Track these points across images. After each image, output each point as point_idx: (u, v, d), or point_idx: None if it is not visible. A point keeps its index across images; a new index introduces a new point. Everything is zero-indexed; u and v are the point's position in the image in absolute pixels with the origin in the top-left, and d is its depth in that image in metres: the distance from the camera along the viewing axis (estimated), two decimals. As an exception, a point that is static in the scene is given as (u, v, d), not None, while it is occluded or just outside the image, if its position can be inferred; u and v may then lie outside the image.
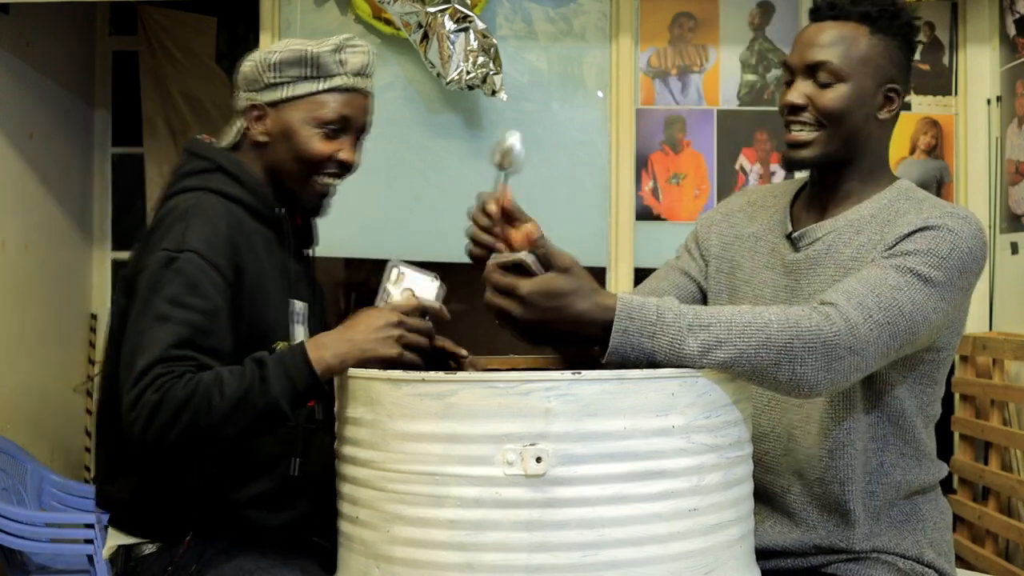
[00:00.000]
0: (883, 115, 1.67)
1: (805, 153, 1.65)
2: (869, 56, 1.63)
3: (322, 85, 1.74)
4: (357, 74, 1.76)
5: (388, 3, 3.15)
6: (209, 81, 4.89)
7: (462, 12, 3.12)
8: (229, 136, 1.81)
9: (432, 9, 3.11)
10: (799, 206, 1.76)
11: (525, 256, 1.42)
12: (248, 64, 1.77)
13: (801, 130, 1.65)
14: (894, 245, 1.55)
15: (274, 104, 1.75)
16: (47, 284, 4.44)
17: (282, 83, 1.74)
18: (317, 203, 1.80)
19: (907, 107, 3.39)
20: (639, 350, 1.39)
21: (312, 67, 1.73)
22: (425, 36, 3.15)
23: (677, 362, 1.39)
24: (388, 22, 3.32)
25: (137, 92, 4.91)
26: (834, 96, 1.62)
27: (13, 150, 4.11)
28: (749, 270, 1.76)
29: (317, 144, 1.74)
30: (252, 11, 3.51)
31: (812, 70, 1.64)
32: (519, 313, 1.41)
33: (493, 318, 1.48)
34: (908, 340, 1.49)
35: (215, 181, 1.72)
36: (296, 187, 1.77)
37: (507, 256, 1.44)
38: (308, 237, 1.88)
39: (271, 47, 1.77)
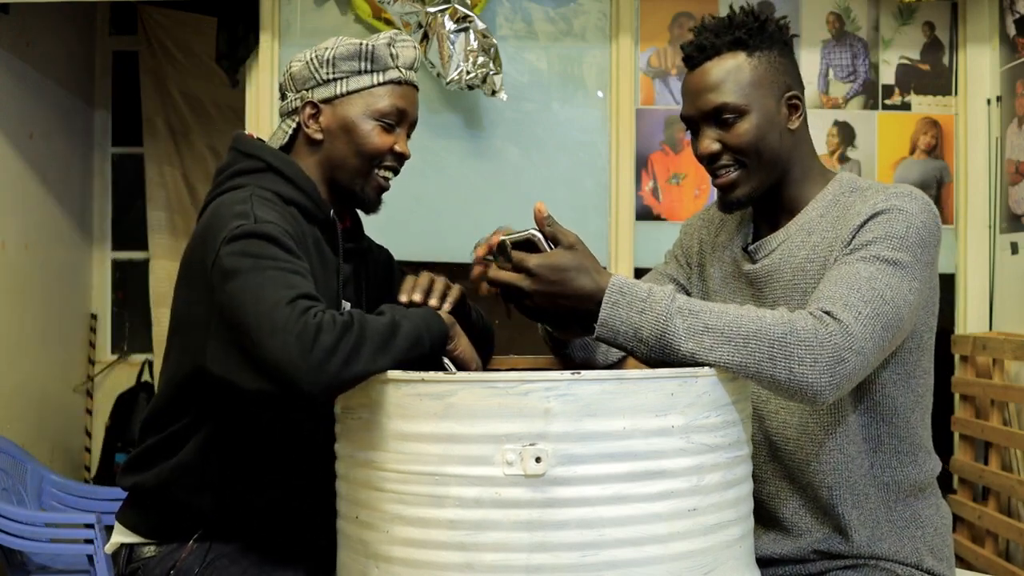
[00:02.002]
0: (793, 124, 1.66)
1: (738, 193, 1.65)
2: (758, 78, 1.62)
3: (378, 78, 1.73)
4: (409, 67, 1.77)
5: (388, 3, 3.15)
6: (209, 81, 4.89)
7: (462, 12, 3.12)
8: (277, 138, 1.79)
9: (432, 9, 3.11)
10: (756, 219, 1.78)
11: (534, 232, 1.49)
12: (297, 64, 1.77)
13: (726, 173, 1.64)
14: (852, 239, 1.56)
15: (328, 100, 1.74)
16: (47, 284, 4.44)
17: (337, 78, 1.73)
18: (376, 197, 1.79)
19: (907, 107, 3.40)
20: (627, 324, 1.42)
21: (368, 60, 1.73)
22: (425, 36, 3.15)
23: (662, 339, 1.40)
24: (388, 22, 3.33)
25: (137, 92, 4.92)
26: (743, 131, 1.61)
27: (13, 150, 4.11)
28: (719, 279, 1.78)
29: (377, 137, 1.73)
30: (252, 11, 3.51)
31: (712, 116, 1.63)
32: (526, 285, 1.47)
33: (496, 295, 1.53)
34: (897, 327, 1.49)
35: (266, 181, 1.70)
36: (356, 182, 1.76)
37: (517, 233, 1.51)
38: (357, 240, 1.87)
39: (320, 46, 1.76)
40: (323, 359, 1.36)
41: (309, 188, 1.73)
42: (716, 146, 1.63)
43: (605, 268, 1.52)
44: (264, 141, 1.79)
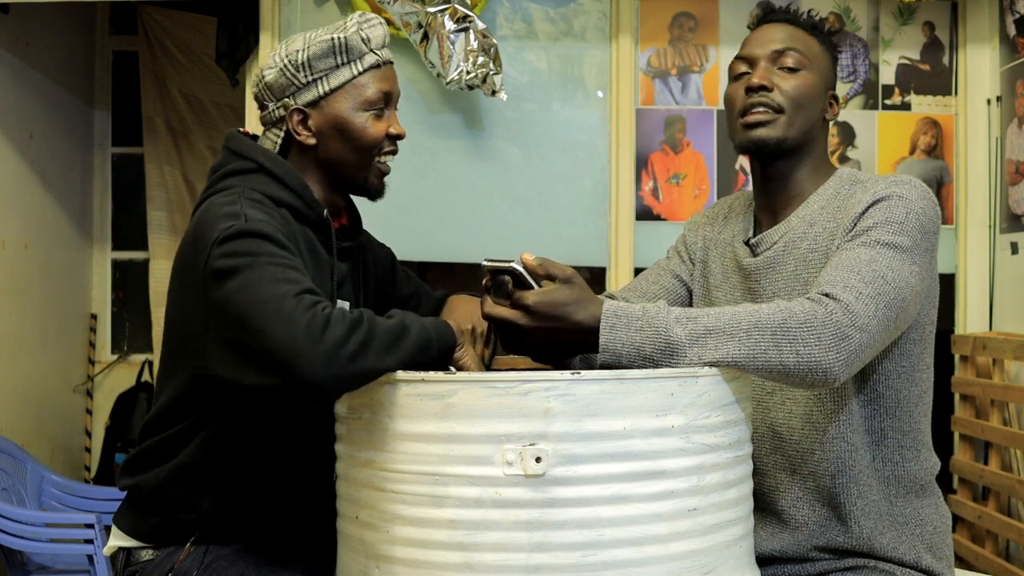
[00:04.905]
0: (828, 116, 1.74)
1: (764, 132, 1.67)
2: (821, 58, 1.72)
3: (358, 68, 1.72)
4: (382, 47, 1.75)
5: (388, 3, 3.15)
6: (209, 81, 4.90)
7: (462, 12, 3.12)
8: (267, 148, 1.76)
9: (432, 9, 3.11)
10: (758, 212, 1.80)
11: (515, 266, 1.47)
12: (271, 73, 1.73)
13: (764, 111, 1.68)
14: (853, 227, 1.59)
15: (314, 103, 1.72)
16: (47, 284, 4.44)
17: (317, 78, 1.71)
18: (380, 184, 1.79)
19: (907, 107, 3.40)
20: (628, 344, 1.42)
21: (344, 53, 1.70)
22: (425, 36, 3.15)
23: (667, 351, 1.40)
24: (388, 22, 3.32)
25: (137, 92, 4.92)
26: (800, 83, 1.68)
27: (13, 150, 4.11)
28: (720, 275, 1.80)
29: (372, 127, 1.72)
30: (252, 11, 3.51)
31: (778, 55, 1.70)
32: (525, 322, 1.45)
33: (494, 327, 1.51)
34: (901, 307, 1.51)
35: (257, 182, 1.68)
36: (360, 175, 1.75)
37: (498, 261, 1.48)
38: (354, 237, 1.85)
39: (289, 49, 1.72)
40: (332, 351, 1.36)
41: (300, 188, 1.71)
42: (768, 82, 1.68)
43: (602, 295, 1.51)
44: (257, 139, 1.77)
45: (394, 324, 1.43)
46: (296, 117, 1.72)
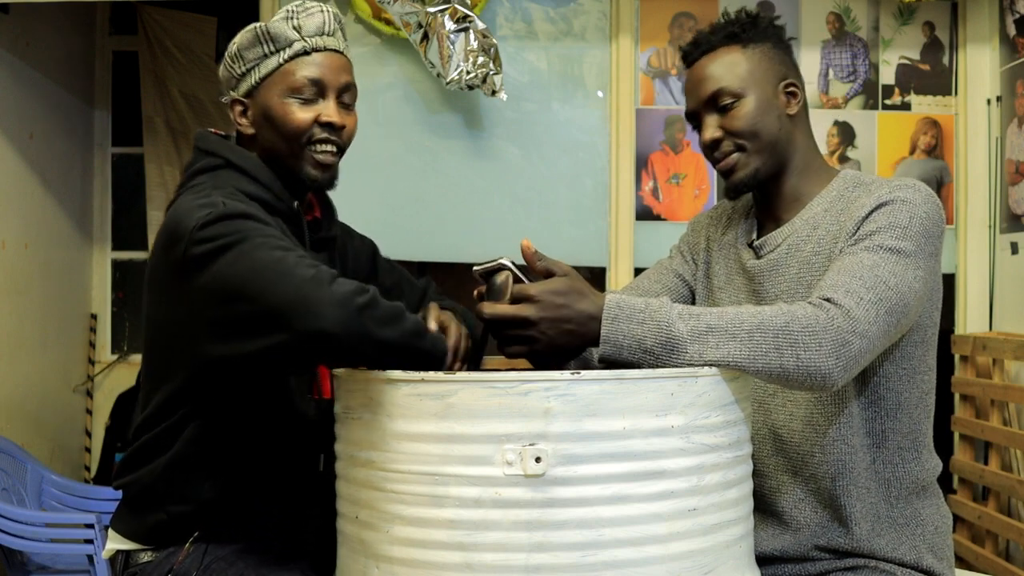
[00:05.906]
0: (792, 111, 1.71)
1: (739, 176, 1.69)
2: (753, 67, 1.69)
3: (284, 56, 1.71)
4: (318, 34, 1.72)
5: (388, 3, 3.15)
6: (209, 81, 4.90)
7: (462, 12, 3.12)
8: (233, 141, 1.78)
9: (432, 9, 3.11)
10: (760, 215, 1.80)
11: (503, 262, 1.46)
12: (222, 67, 1.77)
13: (727, 158, 1.69)
14: (856, 231, 1.59)
15: (250, 94, 1.73)
16: (47, 284, 4.44)
17: (249, 69, 1.73)
18: (321, 175, 1.73)
19: (907, 107, 3.40)
20: (629, 336, 1.42)
21: (269, 42, 1.71)
22: (425, 36, 3.15)
23: (668, 345, 1.40)
24: (388, 22, 3.33)
25: (137, 92, 4.92)
26: (741, 114, 1.67)
27: (13, 150, 4.11)
28: (723, 276, 1.80)
29: (296, 113, 1.69)
30: (252, 11, 3.51)
31: (711, 102, 1.69)
32: (531, 313, 1.42)
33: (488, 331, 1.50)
34: (902, 312, 1.51)
35: (227, 178, 1.69)
36: (295, 165, 1.72)
37: (487, 264, 1.47)
38: (328, 229, 1.85)
39: (231, 42, 1.75)
40: (342, 298, 1.37)
41: (268, 181, 1.70)
42: (718, 133, 1.68)
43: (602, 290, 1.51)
44: (227, 137, 1.78)
45: (394, 304, 1.44)
46: (238, 108, 1.75)
